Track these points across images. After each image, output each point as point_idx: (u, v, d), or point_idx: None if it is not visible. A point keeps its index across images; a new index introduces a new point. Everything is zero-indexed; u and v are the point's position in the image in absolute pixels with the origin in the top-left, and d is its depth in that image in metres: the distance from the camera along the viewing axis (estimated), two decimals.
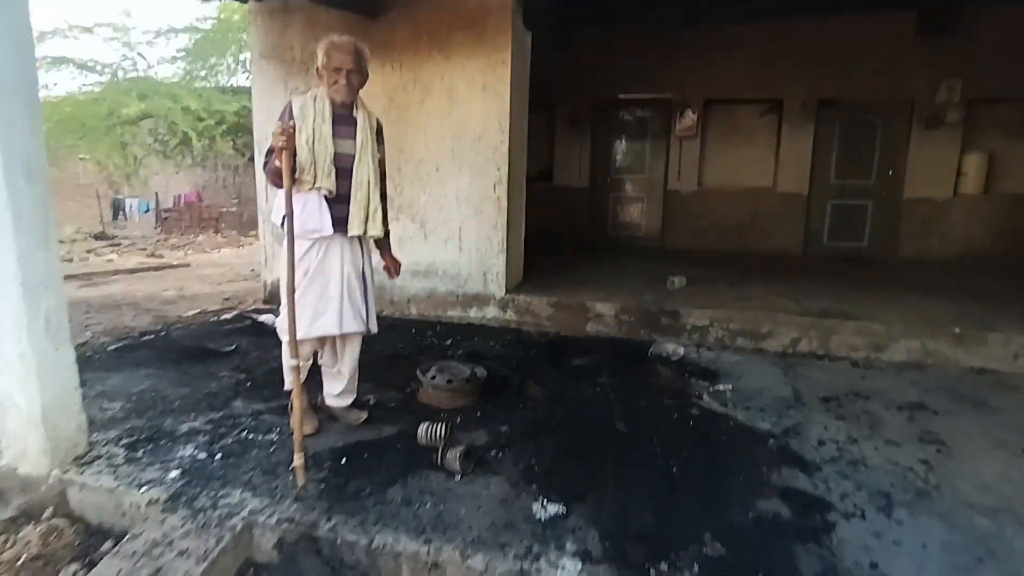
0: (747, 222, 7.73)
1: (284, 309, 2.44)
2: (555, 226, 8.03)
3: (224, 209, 12.34)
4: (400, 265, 3.01)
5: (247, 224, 11.99)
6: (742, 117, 7.72)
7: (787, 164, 7.56)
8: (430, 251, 5.01)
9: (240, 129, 10.80)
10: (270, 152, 2.52)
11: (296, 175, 2.56)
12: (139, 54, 11.18)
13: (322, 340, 2.81)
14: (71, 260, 8.83)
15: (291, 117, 2.62)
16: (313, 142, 2.58)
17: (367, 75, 2.73)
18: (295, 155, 2.51)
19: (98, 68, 10.73)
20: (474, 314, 4.97)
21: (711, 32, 7.28)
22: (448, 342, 4.42)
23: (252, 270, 7.83)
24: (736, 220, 7.76)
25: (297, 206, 2.57)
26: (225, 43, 10.70)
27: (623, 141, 8.29)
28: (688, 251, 7.69)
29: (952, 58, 6.83)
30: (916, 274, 6.28)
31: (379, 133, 2.82)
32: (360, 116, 2.70)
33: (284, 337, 2.59)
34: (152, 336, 4.54)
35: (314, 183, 2.57)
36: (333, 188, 2.58)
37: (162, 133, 10.68)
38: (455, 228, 4.91)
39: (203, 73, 11.21)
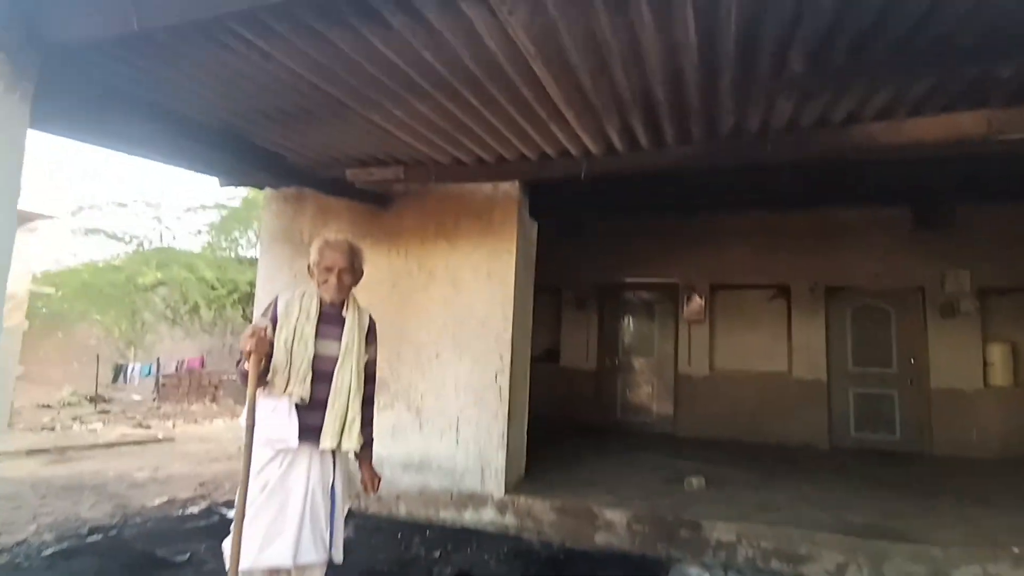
0: (764, 409, 7.30)
1: (232, 532, 2.05)
2: (561, 409, 7.64)
3: (225, 376, 12.16)
4: (380, 480, 2.62)
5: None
6: (750, 301, 7.68)
7: (801, 349, 7.34)
8: (425, 442, 4.61)
9: (252, 298, 10.98)
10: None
11: (268, 377, 2.32)
12: (166, 227, 11.81)
13: (275, 570, 2.35)
14: (53, 428, 8.42)
15: (275, 314, 2.46)
16: (292, 342, 2.37)
17: (361, 274, 2.61)
18: (268, 358, 2.30)
19: (126, 239, 11.30)
20: (469, 517, 4.41)
21: (710, 221, 7.53)
22: (437, 553, 3.84)
23: (238, 448, 7.33)
24: (752, 406, 7.34)
25: (265, 411, 2.30)
26: (250, 218, 11.35)
27: (631, 323, 8.21)
28: (702, 440, 7.17)
29: (955, 249, 6.90)
30: (958, 474, 5.70)
31: (370, 332, 2.62)
32: (349, 315, 2.52)
33: (227, 563, 2.15)
34: (100, 535, 4.00)
35: (286, 388, 2.31)
36: (306, 396, 2.31)
37: (175, 300, 10.90)
38: (453, 418, 4.56)
39: (225, 245, 11.75)
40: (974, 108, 3.24)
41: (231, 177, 4.68)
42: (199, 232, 11.87)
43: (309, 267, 2.55)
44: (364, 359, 2.53)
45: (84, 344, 13.37)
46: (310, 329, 2.41)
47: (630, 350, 8.12)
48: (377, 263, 4.85)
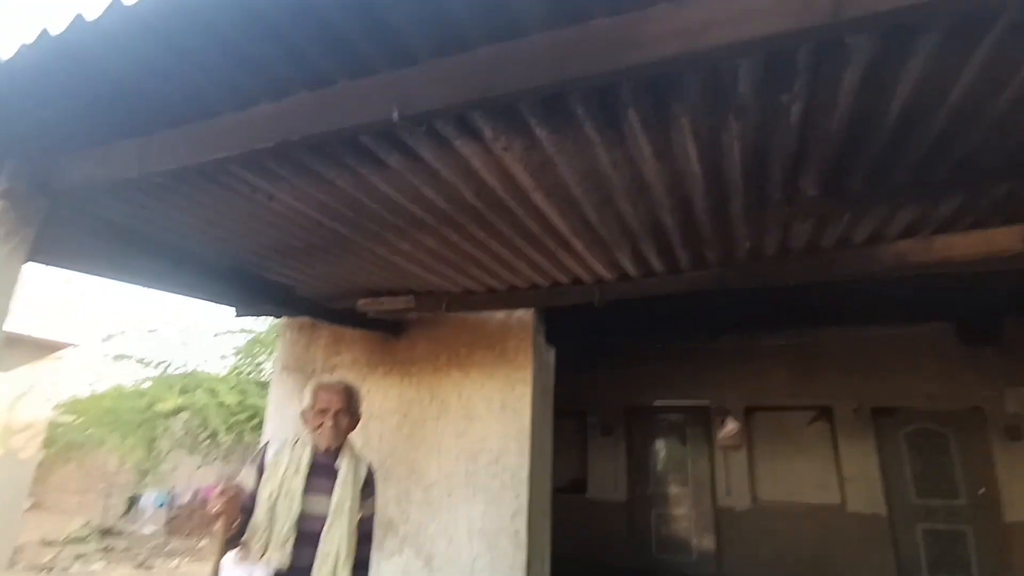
0: (820, 549, 6.52)
1: None
2: (590, 546, 6.96)
3: None
4: None
5: None
6: (790, 425, 7.15)
7: (853, 478, 6.67)
8: None
9: None
10: None
11: (244, 538, 2.08)
12: (193, 352, 11.93)
13: None
14: (51, 569, 7.98)
15: (262, 463, 2.27)
16: (277, 498, 2.14)
17: (358, 418, 2.43)
18: (248, 513, 2.09)
19: (154, 364, 11.41)
20: None
21: (740, 339, 7.22)
22: None
23: None
24: (806, 546, 6.56)
25: None
26: (276, 342, 11.36)
27: (663, 450, 7.68)
28: None
29: (1010, 366, 6.40)
30: None
31: (367, 485, 2.37)
32: (344, 466, 2.30)
33: None
34: None
35: (263, 553, 2.05)
36: (286, 562, 2.05)
37: (194, 426, 10.77)
38: (466, 566, 4.10)
39: (249, 369, 11.76)
40: (1007, 224, 3.06)
41: (244, 308, 4.68)
42: (225, 356, 11.98)
43: (303, 413, 2.39)
44: (358, 516, 2.28)
45: (102, 472, 13.12)
46: (298, 483, 2.19)
47: (663, 479, 7.53)
48: (388, 393, 4.67)
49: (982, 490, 6.35)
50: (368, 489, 2.37)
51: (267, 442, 2.41)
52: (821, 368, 6.97)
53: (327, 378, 2.46)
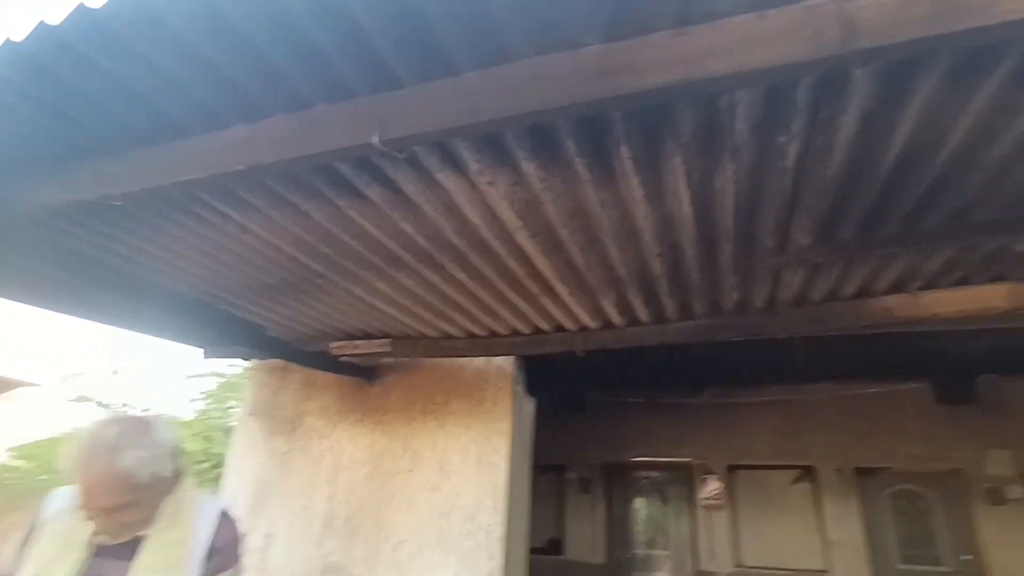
0: None
1: None
2: None
3: None
4: None
5: None
6: (774, 485, 6.96)
7: (838, 543, 6.46)
8: None
9: None
10: None
11: None
12: (159, 394, 11.43)
13: None
14: None
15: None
16: None
17: (176, 473, 1.65)
18: None
19: (116, 406, 10.86)
20: None
21: (724, 396, 7.10)
22: None
23: None
24: None
25: None
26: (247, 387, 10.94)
27: (643, 510, 7.41)
28: None
29: (989, 427, 6.36)
30: None
31: (215, 555, 1.61)
32: (154, 537, 1.57)
33: None
34: None
35: None
36: None
37: None
38: None
39: (218, 415, 11.26)
40: (994, 282, 3.05)
41: (213, 349, 4.45)
42: (194, 400, 11.47)
43: None
44: None
45: None
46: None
47: (644, 542, 7.22)
48: (359, 443, 4.43)
49: (968, 557, 6.19)
50: (218, 560, 1.59)
51: (49, 500, 1.67)
52: (805, 426, 6.86)
53: (83, 442, 1.53)
